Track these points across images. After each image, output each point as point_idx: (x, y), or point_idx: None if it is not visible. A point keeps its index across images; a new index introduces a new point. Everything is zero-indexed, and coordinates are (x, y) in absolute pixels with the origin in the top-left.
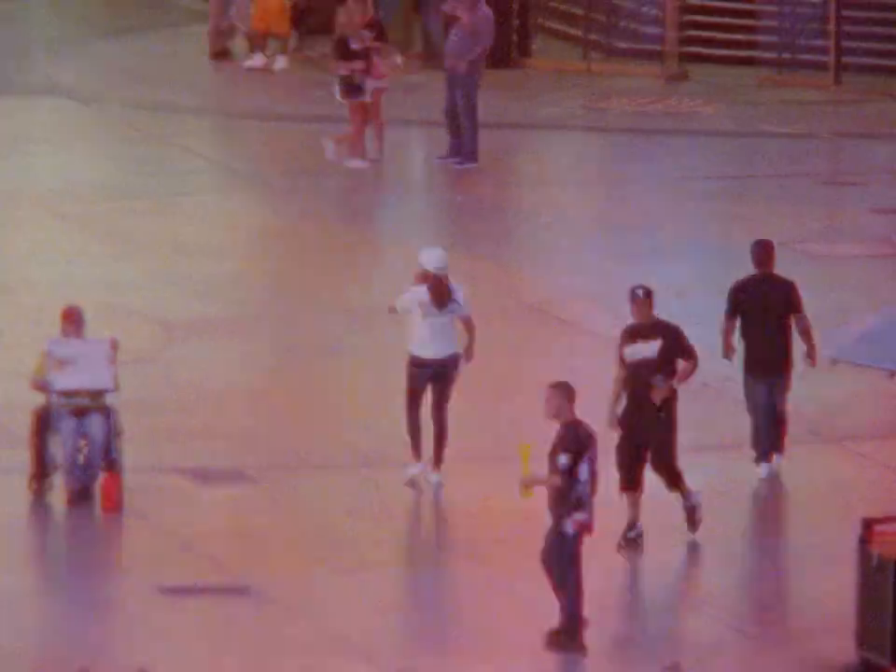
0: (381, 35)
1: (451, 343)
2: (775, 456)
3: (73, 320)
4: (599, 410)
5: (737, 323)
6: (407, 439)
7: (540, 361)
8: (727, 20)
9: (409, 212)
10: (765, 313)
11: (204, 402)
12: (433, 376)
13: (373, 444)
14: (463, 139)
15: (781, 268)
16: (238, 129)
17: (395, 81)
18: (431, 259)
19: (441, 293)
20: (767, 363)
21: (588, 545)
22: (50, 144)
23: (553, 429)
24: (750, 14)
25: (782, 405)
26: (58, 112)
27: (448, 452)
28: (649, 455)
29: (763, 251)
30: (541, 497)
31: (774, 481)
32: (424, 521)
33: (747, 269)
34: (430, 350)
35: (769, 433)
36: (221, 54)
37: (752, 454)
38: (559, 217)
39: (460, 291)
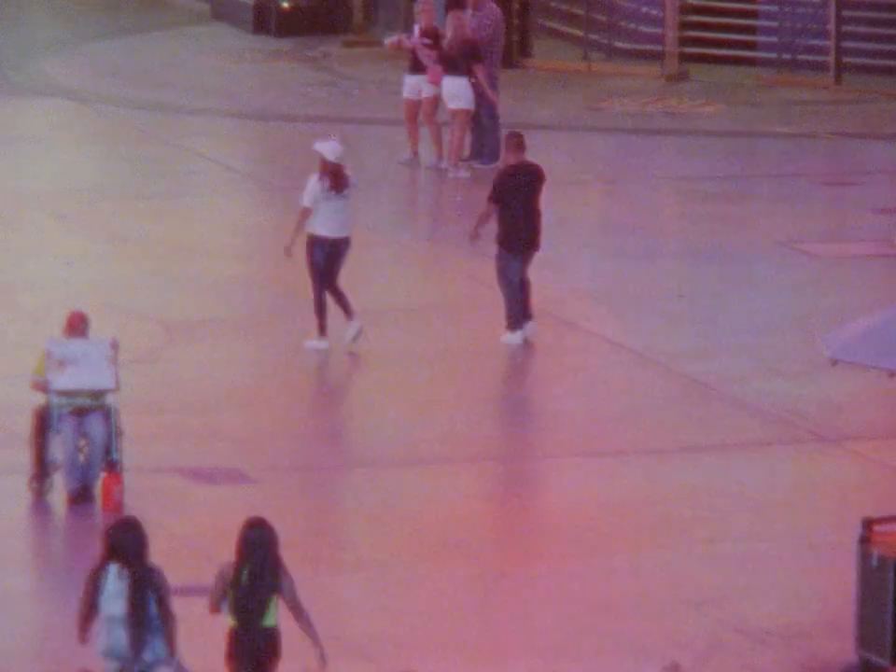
0: (437, 42)
1: (345, 227)
2: (530, 323)
3: (78, 327)
4: (599, 409)
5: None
6: (315, 316)
7: (540, 361)
8: (727, 20)
9: (408, 212)
10: (524, 196)
11: (204, 402)
12: (329, 254)
13: (373, 444)
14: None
15: (781, 268)
16: (238, 129)
17: (397, 82)
18: (329, 149)
19: (339, 179)
20: (525, 240)
21: (587, 546)
22: (50, 144)
23: (549, 429)
24: (750, 14)
25: (526, 275)
26: (58, 112)
27: (448, 452)
28: None
29: (519, 141)
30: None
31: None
32: (424, 521)
33: (745, 268)
34: (327, 229)
35: (520, 304)
36: None
37: (747, 452)
38: (559, 217)
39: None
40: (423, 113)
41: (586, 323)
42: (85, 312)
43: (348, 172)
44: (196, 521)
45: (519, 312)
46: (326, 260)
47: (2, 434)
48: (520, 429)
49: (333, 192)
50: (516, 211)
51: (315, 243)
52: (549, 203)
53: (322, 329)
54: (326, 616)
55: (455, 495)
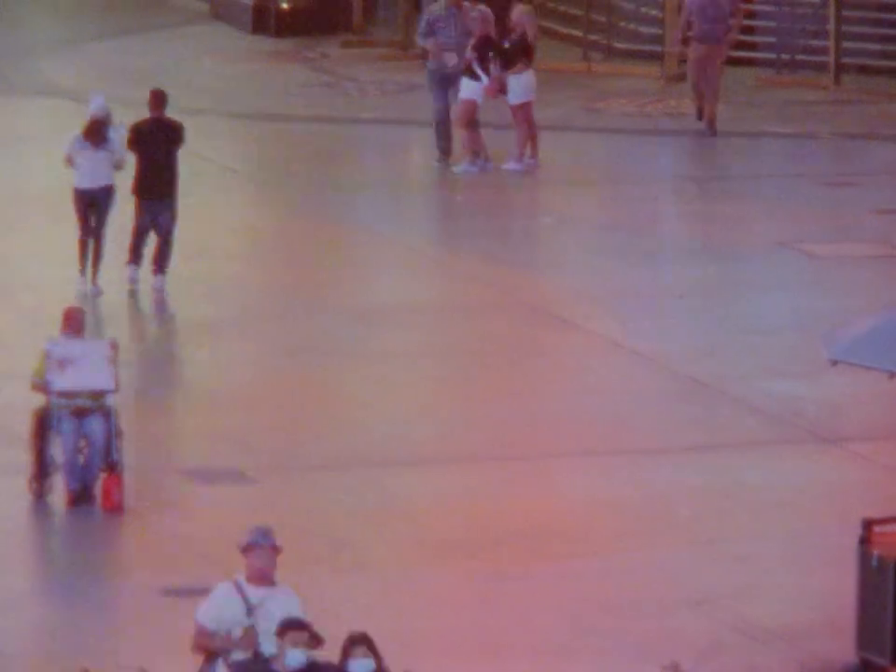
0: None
1: (106, 176)
2: (161, 276)
3: (74, 321)
4: (598, 409)
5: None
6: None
7: (540, 361)
8: None
9: (409, 212)
10: (156, 148)
11: (205, 402)
12: (90, 203)
13: (373, 444)
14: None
15: (781, 268)
16: (238, 129)
17: (396, 82)
18: (91, 104)
19: (94, 132)
20: (155, 189)
21: (587, 546)
22: (50, 144)
23: (549, 429)
24: (749, 14)
25: (171, 227)
26: (58, 112)
27: (448, 451)
28: None
29: (155, 99)
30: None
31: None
32: (423, 521)
33: (745, 268)
34: (87, 181)
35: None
36: None
37: (747, 452)
38: (559, 218)
39: (118, 133)
40: (461, 114)
41: (586, 323)
42: (80, 307)
43: (108, 130)
44: (196, 521)
45: (139, 256)
46: (88, 210)
47: (2, 434)
48: (520, 429)
49: (89, 144)
50: (147, 161)
51: (76, 194)
52: (549, 203)
53: (83, 271)
54: (326, 616)
55: (456, 495)
